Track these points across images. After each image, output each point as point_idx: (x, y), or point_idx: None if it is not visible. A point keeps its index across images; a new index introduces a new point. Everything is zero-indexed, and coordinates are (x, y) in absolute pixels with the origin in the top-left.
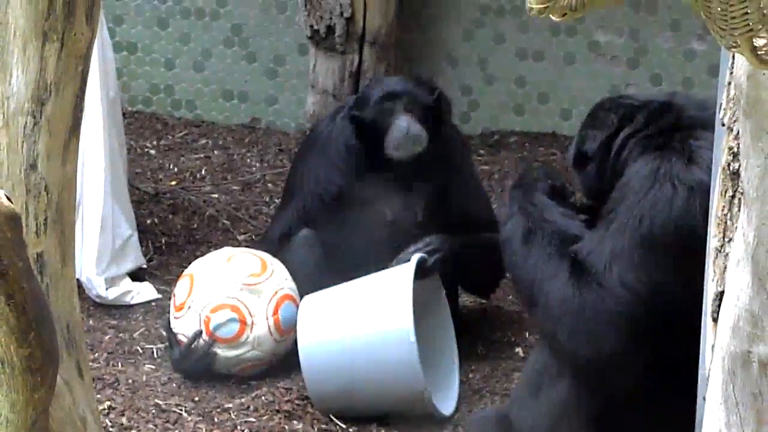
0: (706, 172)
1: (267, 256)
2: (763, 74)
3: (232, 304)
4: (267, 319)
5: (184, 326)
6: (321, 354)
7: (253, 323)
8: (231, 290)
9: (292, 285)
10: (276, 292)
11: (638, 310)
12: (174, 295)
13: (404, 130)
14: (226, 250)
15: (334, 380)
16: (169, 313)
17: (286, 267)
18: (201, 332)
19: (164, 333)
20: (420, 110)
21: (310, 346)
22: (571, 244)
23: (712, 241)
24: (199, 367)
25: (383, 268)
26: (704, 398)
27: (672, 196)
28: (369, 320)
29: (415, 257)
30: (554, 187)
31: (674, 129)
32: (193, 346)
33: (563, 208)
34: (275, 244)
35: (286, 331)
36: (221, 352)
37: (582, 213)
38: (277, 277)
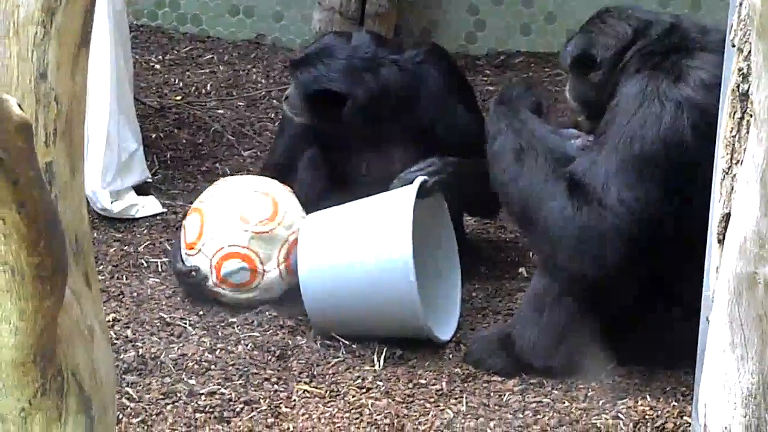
0: (694, 89)
1: (279, 195)
2: None
3: (243, 254)
4: (278, 266)
5: (195, 263)
6: (320, 280)
7: (264, 271)
8: (241, 239)
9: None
10: (287, 238)
11: (638, 226)
12: (184, 229)
13: (284, 99)
14: (237, 185)
15: (333, 306)
16: (178, 238)
17: (292, 188)
18: (201, 272)
19: (168, 247)
20: (306, 89)
21: (310, 272)
22: (564, 164)
23: (720, 163)
24: (194, 293)
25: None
26: (707, 319)
27: (660, 113)
28: (369, 249)
29: (418, 180)
30: (539, 104)
31: (673, 50)
32: (191, 279)
33: (550, 125)
34: (276, 172)
35: None
36: (231, 293)
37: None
38: (289, 218)
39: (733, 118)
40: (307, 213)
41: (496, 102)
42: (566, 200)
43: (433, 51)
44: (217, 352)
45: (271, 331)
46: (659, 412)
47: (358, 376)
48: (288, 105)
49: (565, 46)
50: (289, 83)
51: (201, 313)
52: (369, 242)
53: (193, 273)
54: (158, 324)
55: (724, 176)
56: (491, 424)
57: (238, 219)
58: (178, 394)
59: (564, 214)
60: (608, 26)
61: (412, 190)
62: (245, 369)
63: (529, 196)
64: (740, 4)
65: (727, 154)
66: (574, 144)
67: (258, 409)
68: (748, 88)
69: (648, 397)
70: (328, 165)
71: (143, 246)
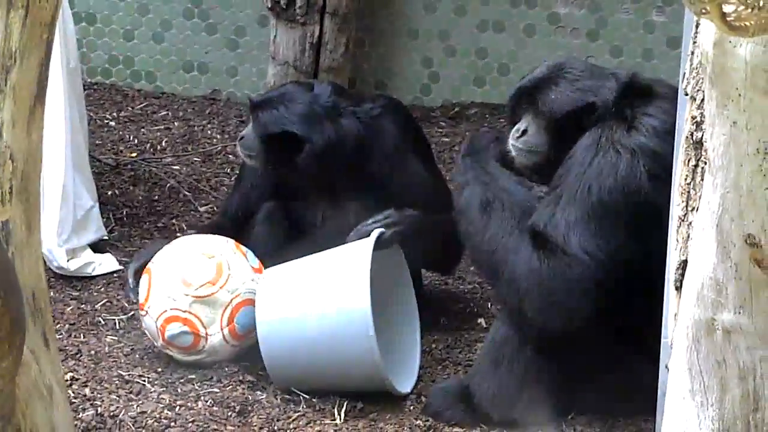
0: (647, 136)
1: (226, 257)
2: (729, 42)
3: (183, 317)
4: (222, 329)
5: (146, 325)
6: (279, 334)
7: (207, 334)
8: (183, 302)
9: (252, 286)
10: (231, 301)
11: (602, 275)
12: (140, 289)
13: (239, 140)
14: (185, 246)
15: (292, 361)
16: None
17: (249, 240)
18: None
19: (126, 304)
20: (264, 130)
21: (268, 326)
22: (530, 216)
23: (675, 210)
24: None
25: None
26: (666, 366)
27: (616, 161)
28: (328, 303)
29: (375, 233)
30: (504, 155)
31: (624, 100)
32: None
33: (516, 177)
34: (232, 224)
35: (244, 335)
36: (179, 356)
37: (531, 181)
38: (234, 283)
39: (688, 165)
40: (265, 267)
41: (463, 153)
42: (531, 252)
43: (391, 105)
44: (177, 409)
45: (230, 386)
46: None
47: (319, 430)
48: (242, 146)
49: (544, 95)
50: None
51: (160, 369)
52: (327, 296)
53: None
54: (117, 382)
55: (680, 223)
56: None
57: (181, 282)
58: None
59: (530, 266)
60: (589, 73)
61: (369, 242)
62: (205, 426)
63: (496, 249)
64: (692, 53)
65: (683, 201)
66: (536, 195)
67: None
68: (702, 135)
69: None
70: (285, 218)
71: (100, 304)
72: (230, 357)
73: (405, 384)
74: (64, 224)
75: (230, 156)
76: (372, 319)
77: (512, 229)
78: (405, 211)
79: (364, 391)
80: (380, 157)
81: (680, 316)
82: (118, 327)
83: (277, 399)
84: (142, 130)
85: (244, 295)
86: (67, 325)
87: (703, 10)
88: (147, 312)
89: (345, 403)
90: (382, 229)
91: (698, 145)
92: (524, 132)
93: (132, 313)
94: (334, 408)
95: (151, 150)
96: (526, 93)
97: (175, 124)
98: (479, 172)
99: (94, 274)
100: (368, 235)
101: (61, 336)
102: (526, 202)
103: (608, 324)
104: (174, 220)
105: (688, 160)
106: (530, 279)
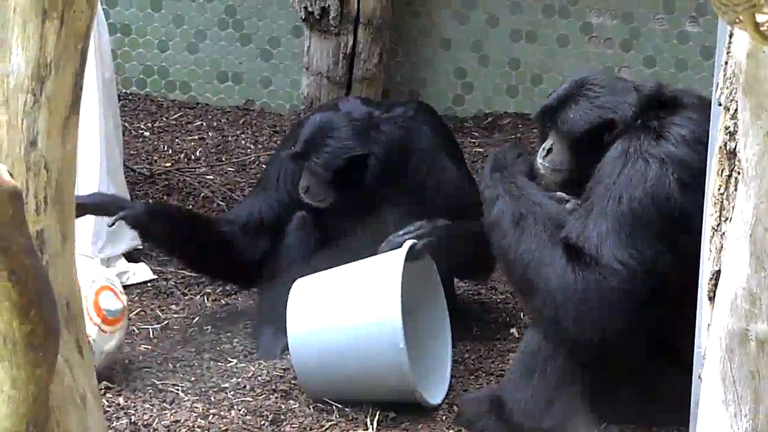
0: (675, 145)
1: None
2: (764, 52)
3: None
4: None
5: None
6: (309, 345)
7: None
8: None
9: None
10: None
11: (637, 285)
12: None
13: (303, 192)
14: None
15: (323, 371)
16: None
17: (281, 249)
18: None
19: (160, 314)
20: (328, 168)
21: (299, 336)
22: (561, 228)
23: (709, 221)
24: None
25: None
26: (699, 376)
27: (645, 171)
28: (358, 314)
29: (407, 244)
30: (531, 167)
31: (652, 111)
32: None
33: (545, 190)
34: (254, 229)
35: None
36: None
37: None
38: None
39: (721, 175)
40: (296, 276)
41: (490, 169)
42: (565, 265)
43: (422, 108)
44: (210, 418)
45: (263, 395)
46: None
47: None
48: (311, 196)
49: (564, 114)
50: (290, 164)
51: (193, 378)
52: (358, 308)
53: None
54: (150, 391)
55: (713, 233)
56: None
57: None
58: None
59: (564, 279)
60: (610, 89)
61: (400, 254)
62: None
63: (529, 263)
64: (726, 63)
65: (716, 211)
66: (566, 208)
67: None
68: (735, 145)
69: None
70: (317, 227)
71: (134, 313)
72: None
73: (436, 395)
74: (98, 233)
75: (263, 166)
76: (402, 332)
77: (545, 243)
78: (437, 222)
79: (395, 402)
80: (416, 159)
81: (713, 327)
82: (152, 336)
83: (310, 408)
84: (176, 140)
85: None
86: None
87: (737, 20)
88: None
89: (377, 413)
90: (414, 241)
91: (732, 155)
92: (549, 151)
93: (166, 322)
94: (366, 417)
95: (185, 160)
96: (550, 112)
97: (209, 134)
98: (509, 186)
99: (128, 283)
100: (400, 246)
101: None
102: (558, 216)
103: (641, 334)
104: None
105: (722, 170)
106: (565, 292)
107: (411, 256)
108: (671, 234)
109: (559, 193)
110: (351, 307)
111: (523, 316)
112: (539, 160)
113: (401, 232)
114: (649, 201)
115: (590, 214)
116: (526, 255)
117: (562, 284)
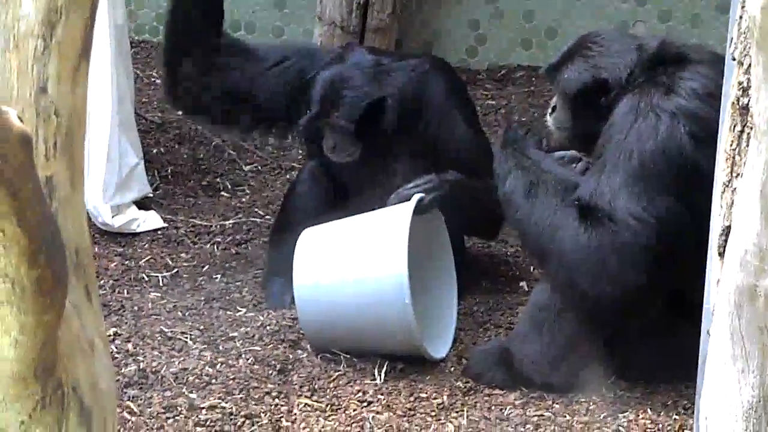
0: (687, 98)
1: None
2: None
3: None
4: None
5: None
6: (315, 296)
7: None
8: None
9: None
10: None
11: (651, 239)
12: None
13: (329, 152)
14: None
15: (328, 324)
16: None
17: (291, 199)
18: None
19: (170, 261)
20: (351, 120)
21: (305, 288)
22: (572, 191)
23: (720, 176)
24: None
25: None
26: (708, 332)
27: (656, 125)
28: (365, 267)
29: (415, 198)
30: (539, 141)
31: (662, 65)
32: None
33: (559, 157)
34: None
35: None
36: None
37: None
38: None
39: (733, 131)
40: (305, 226)
41: (500, 145)
42: (578, 225)
43: (437, 61)
44: (218, 366)
45: (271, 345)
46: (660, 425)
47: (359, 390)
48: (338, 153)
49: (561, 74)
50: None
51: (202, 327)
52: (364, 261)
53: None
54: (159, 338)
55: (724, 189)
56: None
57: None
58: (179, 408)
59: (578, 239)
60: (607, 49)
61: (408, 207)
62: (246, 383)
63: (543, 230)
64: (740, 18)
65: (728, 167)
66: (578, 168)
67: (259, 423)
68: (748, 101)
69: (649, 410)
70: (327, 178)
71: (144, 260)
72: None
73: (440, 348)
74: (109, 181)
75: None
76: (409, 288)
77: (557, 208)
78: (446, 175)
79: (400, 355)
80: (430, 112)
81: (723, 282)
82: (161, 283)
83: (317, 358)
84: None
85: None
86: (110, 281)
87: None
88: None
89: (385, 364)
90: (422, 194)
91: (744, 110)
92: (554, 108)
93: (175, 270)
94: (374, 368)
95: None
96: (553, 70)
97: None
98: (520, 159)
99: (138, 230)
100: (409, 199)
101: (104, 292)
102: (570, 179)
103: (657, 291)
104: (218, 179)
105: (734, 126)
106: (579, 252)
107: (419, 209)
108: (684, 188)
109: (571, 152)
110: (357, 261)
111: (533, 269)
112: (547, 117)
113: (410, 185)
114: (660, 154)
115: (602, 170)
116: (540, 223)
117: (575, 245)
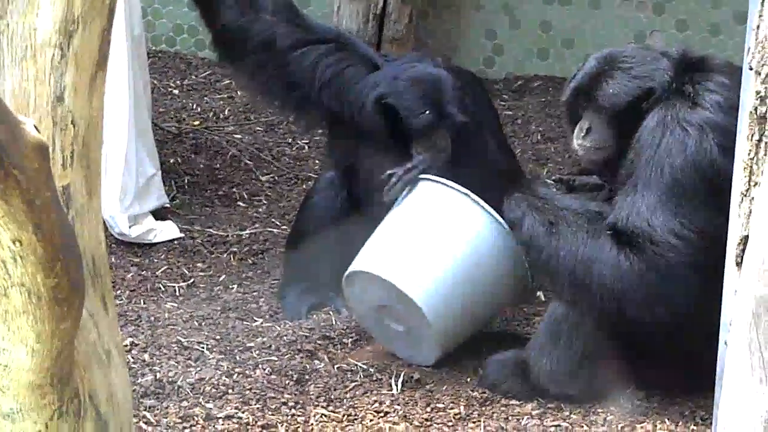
0: (712, 111)
1: None
2: None
3: None
4: None
5: None
6: (433, 297)
7: None
8: None
9: None
10: None
11: (695, 255)
12: None
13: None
14: None
15: (455, 315)
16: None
17: (308, 208)
18: None
19: (186, 272)
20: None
21: (424, 297)
22: (598, 221)
23: (738, 185)
24: None
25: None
26: (725, 342)
27: (684, 139)
28: (453, 242)
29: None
30: (547, 187)
31: (684, 78)
32: None
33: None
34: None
35: None
36: None
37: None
38: None
39: (751, 140)
40: (321, 236)
41: (508, 194)
42: (617, 254)
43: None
44: (235, 376)
45: (288, 355)
46: None
47: (376, 400)
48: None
49: (600, 91)
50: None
51: (218, 337)
52: (447, 237)
53: None
54: (176, 348)
55: (741, 198)
56: None
57: None
58: (196, 418)
59: (619, 267)
60: (639, 60)
61: (433, 181)
62: (263, 393)
63: (575, 265)
64: (758, 27)
65: (745, 176)
66: (598, 197)
67: None
68: (766, 110)
69: (667, 421)
70: (343, 188)
71: (161, 270)
72: None
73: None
74: (126, 191)
75: (292, 126)
76: (499, 218)
77: (586, 240)
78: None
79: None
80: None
81: (740, 293)
82: (177, 293)
83: (334, 368)
84: (205, 98)
85: None
86: (127, 291)
87: None
88: None
89: (402, 374)
90: (424, 175)
91: (762, 119)
92: (588, 130)
93: (192, 280)
94: (390, 378)
95: (214, 118)
96: (583, 91)
97: (238, 93)
98: (532, 200)
99: (155, 241)
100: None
101: (121, 302)
102: (591, 209)
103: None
104: (235, 189)
105: (752, 135)
106: (623, 281)
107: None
108: (720, 199)
109: (593, 178)
110: (441, 242)
111: None
112: (577, 141)
113: (408, 166)
114: (691, 168)
115: (635, 191)
116: (569, 258)
117: (618, 274)
